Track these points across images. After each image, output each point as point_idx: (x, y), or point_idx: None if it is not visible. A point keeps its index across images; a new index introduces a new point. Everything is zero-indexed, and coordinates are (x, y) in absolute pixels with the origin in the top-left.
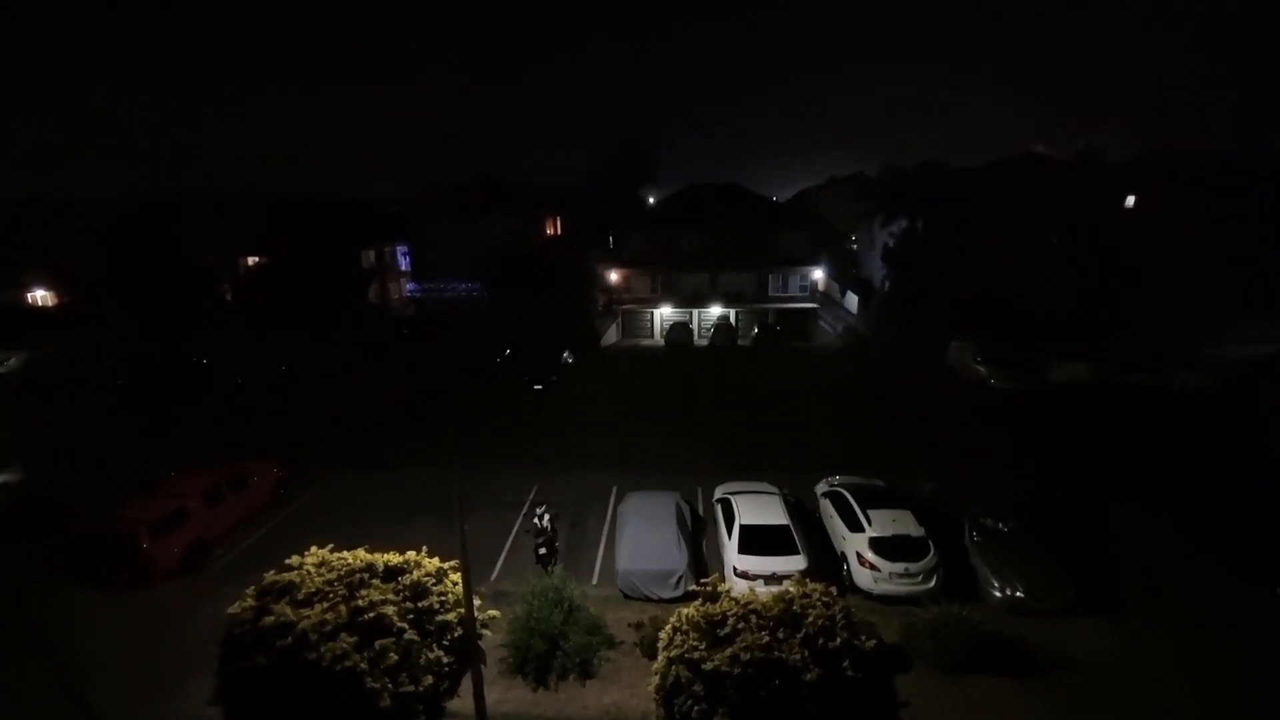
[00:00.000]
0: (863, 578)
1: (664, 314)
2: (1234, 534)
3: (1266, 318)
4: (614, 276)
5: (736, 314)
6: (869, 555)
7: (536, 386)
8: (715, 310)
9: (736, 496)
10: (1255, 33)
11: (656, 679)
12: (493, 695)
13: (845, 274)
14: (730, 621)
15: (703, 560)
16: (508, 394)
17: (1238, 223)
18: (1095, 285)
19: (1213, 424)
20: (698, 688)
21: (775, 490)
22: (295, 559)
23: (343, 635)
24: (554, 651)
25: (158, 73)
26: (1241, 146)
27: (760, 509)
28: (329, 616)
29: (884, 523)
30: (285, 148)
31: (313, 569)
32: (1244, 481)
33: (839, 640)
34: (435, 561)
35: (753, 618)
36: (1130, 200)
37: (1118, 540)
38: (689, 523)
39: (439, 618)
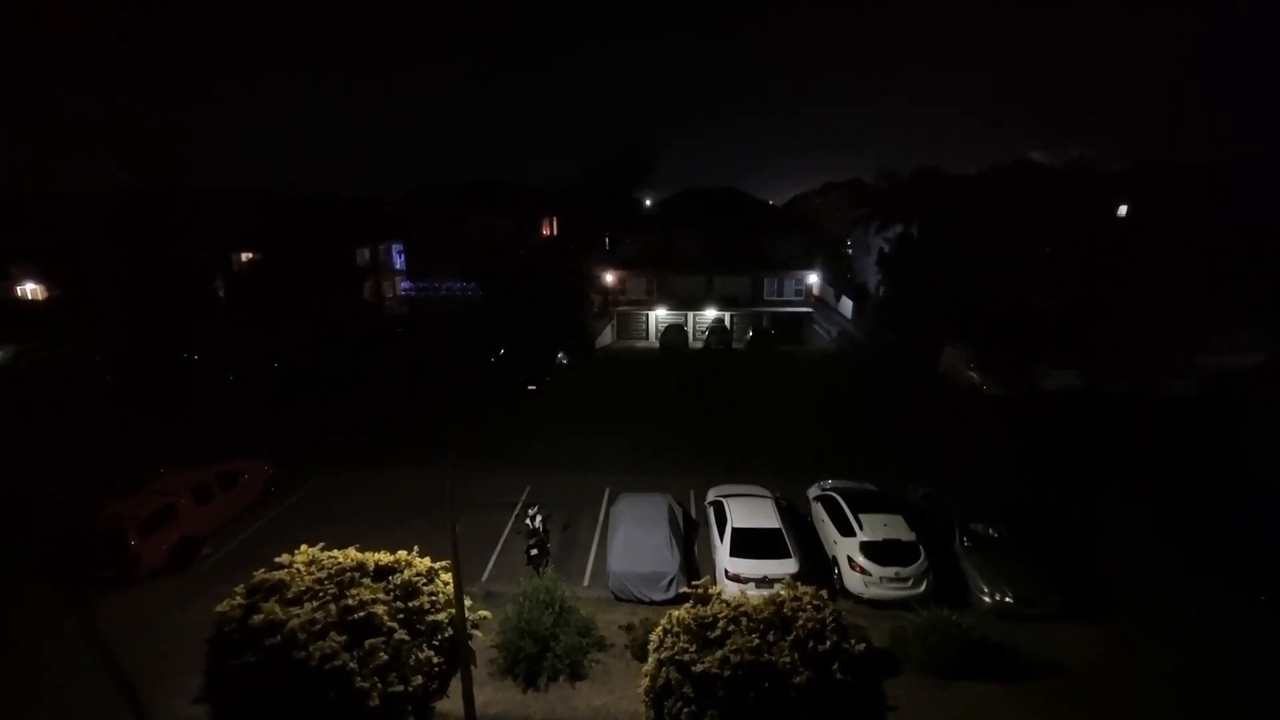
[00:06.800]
0: (853, 582)
1: (659, 316)
2: (1221, 540)
3: (1254, 327)
4: (610, 278)
5: (731, 317)
6: (860, 559)
7: (530, 387)
8: (710, 313)
9: (729, 499)
10: (1247, 48)
11: (646, 681)
12: (482, 696)
13: (840, 279)
14: (721, 624)
15: (694, 563)
16: (501, 394)
17: (1227, 233)
18: (1086, 294)
19: (1200, 432)
20: (688, 690)
21: (767, 493)
22: (285, 557)
23: (332, 634)
24: (544, 653)
25: (150, 65)
26: (1234, 158)
27: (752, 512)
28: (318, 615)
29: (875, 527)
30: (280, 145)
31: (302, 567)
32: (1230, 489)
33: (829, 644)
34: (426, 561)
35: (743, 620)
36: (1122, 210)
37: (1106, 546)
38: (681, 525)
39: (429, 618)
